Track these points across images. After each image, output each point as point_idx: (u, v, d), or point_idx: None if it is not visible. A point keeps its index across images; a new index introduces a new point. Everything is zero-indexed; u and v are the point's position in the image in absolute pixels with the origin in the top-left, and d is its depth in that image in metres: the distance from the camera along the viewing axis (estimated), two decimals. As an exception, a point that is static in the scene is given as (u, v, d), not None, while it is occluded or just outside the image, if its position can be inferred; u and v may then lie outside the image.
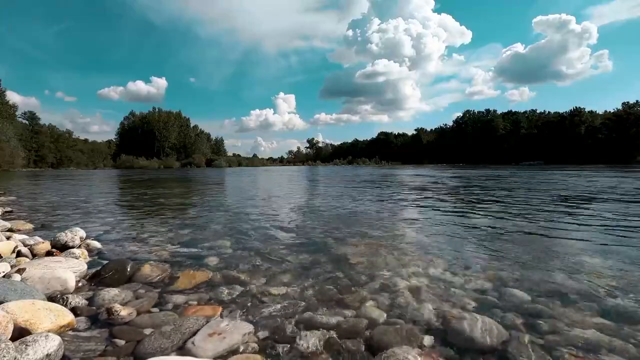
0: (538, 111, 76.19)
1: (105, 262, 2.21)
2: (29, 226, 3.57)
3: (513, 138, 72.89)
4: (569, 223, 3.68)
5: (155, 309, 1.58)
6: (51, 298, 1.60)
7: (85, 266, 2.07)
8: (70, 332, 1.33)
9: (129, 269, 2.03)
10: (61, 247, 2.50)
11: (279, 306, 1.60)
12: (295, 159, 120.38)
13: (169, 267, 2.18)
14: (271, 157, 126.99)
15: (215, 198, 7.05)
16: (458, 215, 4.37)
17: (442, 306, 1.60)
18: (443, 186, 9.61)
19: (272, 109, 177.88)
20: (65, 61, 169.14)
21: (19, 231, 3.22)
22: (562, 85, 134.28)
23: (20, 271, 1.77)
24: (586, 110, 66.05)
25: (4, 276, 1.74)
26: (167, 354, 1.20)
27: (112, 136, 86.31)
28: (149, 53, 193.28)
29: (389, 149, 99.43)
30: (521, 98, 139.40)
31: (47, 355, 1.09)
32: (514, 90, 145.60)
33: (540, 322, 1.44)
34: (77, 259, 2.22)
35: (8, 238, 2.61)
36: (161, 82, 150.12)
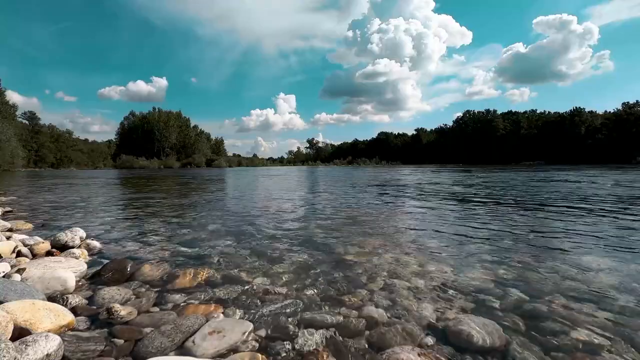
0: (538, 111, 76.21)
1: (105, 261, 2.21)
2: (29, 226, 3.57)
3: (513, 138, 72.83)
4: (569, 223, 3.68)
5: (155, 308, 1.58)
6: (51, 298, 1.60)
7: (85, 266, 2.08)
8: (70, 332, 1.33)
9: (128, 269, 2.03)
10: (61, 247, 2.50)
11: (279, 305, 1.60)
12: (295, 159, 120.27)
13: (169, 266, 2.18)
14: (271, 157, 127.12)
15: (215, 198, 7.05)
16: (458, 216, 4.37)
17: (442, 306, 1.60)
18: (443, 186, 9.60)
19: (272, 109, 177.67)
20: (65, 61, 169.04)
21: (19, 231, 3.22)
22: (562, 85, 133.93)
23: (20, 271, 1.77)
24: (586, 110, 66.11)
25: (4, 276, 1.74)
26: (167, 354, 1.20)
27: (112, 136, 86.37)
28: (149, 53, 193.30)
29: (389, 149, 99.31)
30: (521, 98, 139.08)
31: (47, 355, 1.09)
32: (514, 90, 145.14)
33: (540, 322, 1.44)
34: (77, 258, 2.22)
35: (8, 238, 2.61)
36: (162, 82, 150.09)
